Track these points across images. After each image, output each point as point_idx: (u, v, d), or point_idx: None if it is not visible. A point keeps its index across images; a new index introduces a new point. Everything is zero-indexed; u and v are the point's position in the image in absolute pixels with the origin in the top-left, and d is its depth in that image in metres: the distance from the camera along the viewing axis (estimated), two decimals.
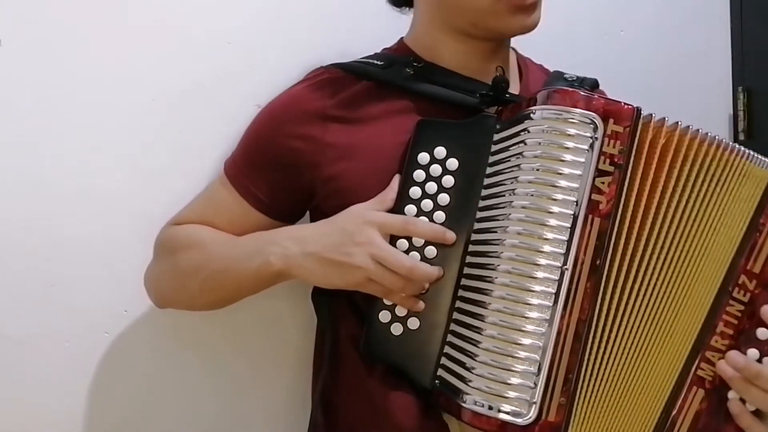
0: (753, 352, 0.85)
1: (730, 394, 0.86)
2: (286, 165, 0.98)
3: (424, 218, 0.90)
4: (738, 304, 0.86)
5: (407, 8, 1.07)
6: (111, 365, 1.14)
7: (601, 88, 1.11)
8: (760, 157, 0.89)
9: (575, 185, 0.84)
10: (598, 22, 1.40)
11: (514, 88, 1.03)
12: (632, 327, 0.86)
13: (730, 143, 0.88)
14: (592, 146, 0.84)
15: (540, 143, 0.85)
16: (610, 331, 0.86)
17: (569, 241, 0.83)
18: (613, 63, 1.36)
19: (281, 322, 1.20)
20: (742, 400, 0.86)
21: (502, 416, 0.83)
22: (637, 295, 0.86)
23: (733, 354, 0.85)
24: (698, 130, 0.87)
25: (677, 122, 0.87)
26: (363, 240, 0.87)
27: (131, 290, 1.09)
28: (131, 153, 1.14)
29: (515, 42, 1.07)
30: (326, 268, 0.88)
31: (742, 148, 0.88)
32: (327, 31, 1.22)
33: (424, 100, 0.97)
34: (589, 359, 0.85)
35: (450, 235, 0.89)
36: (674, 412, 0.86)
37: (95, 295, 1.12)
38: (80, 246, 1.12)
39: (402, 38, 1.06)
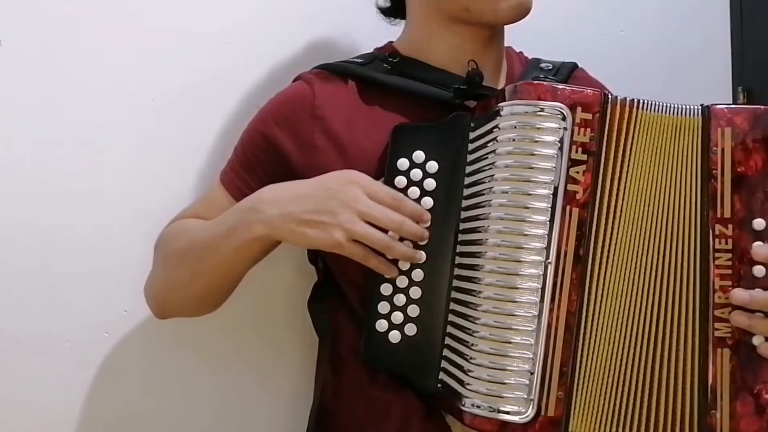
0: (757, 292, 0.83)
1: (755, 340, 0.84)
2: (276, 165, 0.98)
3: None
4: (724, 253, 0.84)
5: (400, 19, 1.08)
6: (111, 365, 1.14)
7: (597, 80, 1.11)
8: (685, 105, 0.87)
9: (549, 178, 0.83)
10: (598, 21, 1.40)
11: (501, 81, 1.03)
12: (624, 310, 0.84)
13: (656, 101, 0.86)
14: (562, 137, 0.83)
15: (511, 139, 0.85)
16: (603, 318, 0.84)
17: (549, 235, 0.83)
18: (613, 63, 1.36)
19: (282, 321, 1.20)
20: None
21: (502, 416, 0.82)
22: (623, 278, 0.84)
23: (736, 291, 0.83)
24: (644, 99, 0.86)
25: (634, 98, 0.85)
26: (348, 198, 0.86)
27: (131, 290, 1.09)
28: (131, 153, 1.14)
29: (515, 42, 1.07)
30: (306, 229, 0.87)
31: (667, 103, 0.87)
32: (327, 31, 1.22)
33: (404, 98, 0.97)
34: (583, 350, 0.84)
35: (426, 216, 0.88)
36: (710, 382, 0.84)
37: (95, 295, 1.12)
38: (80, 246, 1.12)
39: (390, 41, 1.07)
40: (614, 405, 0.84)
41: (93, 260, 1.12)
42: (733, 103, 1.44)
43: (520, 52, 1.10)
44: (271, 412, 1.20)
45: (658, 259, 0.85)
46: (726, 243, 0.84)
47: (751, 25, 1.45)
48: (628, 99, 0.85)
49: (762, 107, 0.86)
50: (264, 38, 1.20)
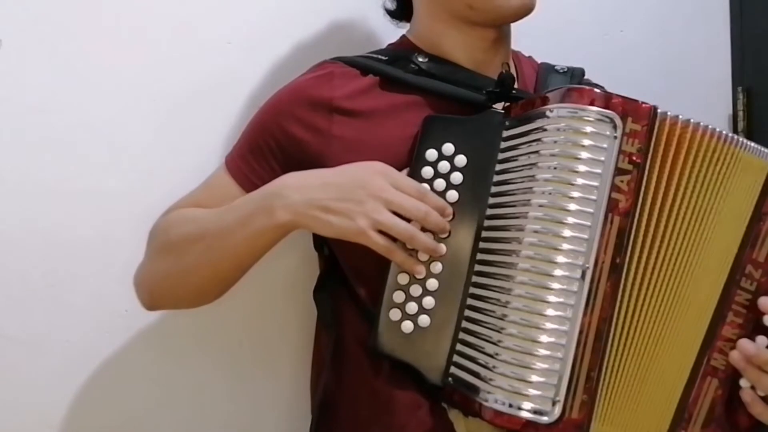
0: (762, 340, 0.87)
1: (742, 383, 0.87)
2: (289, 154, 0.96)
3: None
4: (746, 293, 0.87)
5: (405, 21, 1.08)
6: (111, 365, 1.14)
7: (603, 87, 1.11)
8: (760, 147, 0.89)
9: (595, 184, 0.83)
10: (598, 22, 1.40)
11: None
12: (649, 322, 0.86)
13: (731, 135, 0.88)
14: (611, 145, 0.84)
15: (557, 142, 0.85)
16: (630, 328, 0.86)
17: (590, 240, 0.83)
18: (613, 63, 1.36)
19: (283, 319, 1.20)
20: (754, 388, 0.86)
21: (525, 414, 0.83)
22: (653, 291, 0.86)
23: (744, 342, 0.86)
24: (707, 125, 0.87)
25: (689, 119, 0.87)
26: (375, 188, 0.85)
27: (131, 290, 1.09)
28: (131, 153, 1.14)
29: (515, 42, 1.07)
30: (331, 216, 0.86)
31: (743, 140, 0.89)
32: (327, 30, 1.22)
33: (430, 95, 0.96)
34: (610, 357, 0.85)
35: (449, 211, 0.88)
36: (690, 403, 0.86)
37: (95, 295, 1.12)
38: (80, 246, 1.12)
39: (404, 35, 1.06)
40: (632, 413, 0.86)
41: (93, 260, 1.12)
42: (733, 104, 1.45)
43: (530, 57, 1.10)
44: (276, 405, 1.20)
45: (685, 279, 0.87)
46: (751, 284, 0.88)
47: (751, 25, 1.45)
48: (682, 118, 0.86)
49: None
50: (264, 38, 1.20)
